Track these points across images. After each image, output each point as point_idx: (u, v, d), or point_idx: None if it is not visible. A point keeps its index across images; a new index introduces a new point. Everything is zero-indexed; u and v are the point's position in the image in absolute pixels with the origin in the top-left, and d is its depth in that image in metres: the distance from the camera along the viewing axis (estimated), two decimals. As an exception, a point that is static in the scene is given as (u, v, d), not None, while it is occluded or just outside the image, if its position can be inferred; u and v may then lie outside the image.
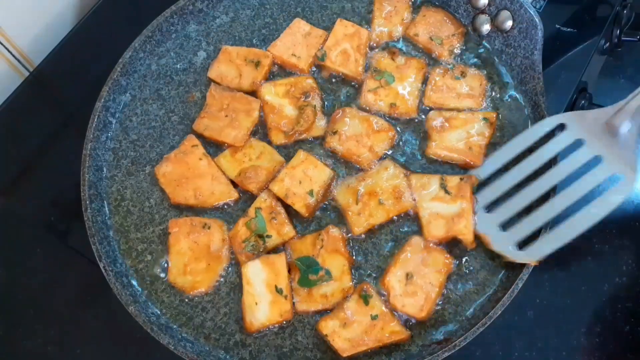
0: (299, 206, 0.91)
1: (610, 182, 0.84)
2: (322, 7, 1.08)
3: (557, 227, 0.84)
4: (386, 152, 0.96)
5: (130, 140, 1.01)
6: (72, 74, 1.14)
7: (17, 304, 0.96)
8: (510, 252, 0.86)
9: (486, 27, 1.03)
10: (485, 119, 0.95)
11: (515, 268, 0.88)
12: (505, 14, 1.01)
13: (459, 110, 0.97)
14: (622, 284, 0.92)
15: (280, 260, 0.88)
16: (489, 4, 1.03)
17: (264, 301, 0.86)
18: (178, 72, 1.05)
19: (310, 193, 0.92)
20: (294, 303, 0.87)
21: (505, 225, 0.88)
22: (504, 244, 0.86)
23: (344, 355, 0.83)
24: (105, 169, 0.99)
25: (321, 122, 0.98)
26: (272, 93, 0.99)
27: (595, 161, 0.86)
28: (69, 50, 1.15)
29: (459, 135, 0.95)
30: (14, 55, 1.16)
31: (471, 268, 0.89)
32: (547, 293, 0.92)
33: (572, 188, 0.85)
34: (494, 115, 0.96)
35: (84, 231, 0.90)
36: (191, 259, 0.90)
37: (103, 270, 0.88)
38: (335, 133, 0.96)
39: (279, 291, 0.86)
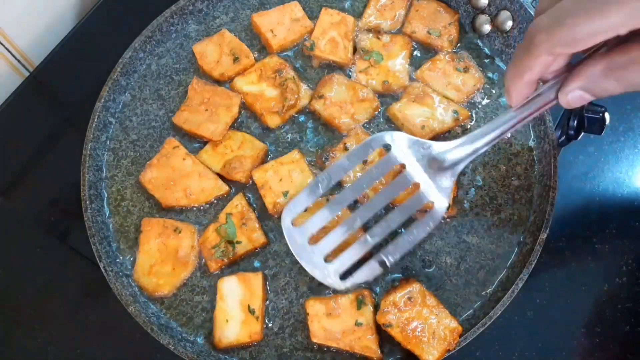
0: (268, 201, 0.92)
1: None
2: (322, 7, 1.07)
3: (382, 252, 0.84)
4: (367, 120, 0.98)
5: (130, 140, 1.01)
6: (72, 74, 1.14)
7: (17, 304, 0.96)
8: (334, 283, 0.85)
9: (486, 27, 1.03)
10: (456, 112, 0.96)
11: (515, 268, 0.88)
12: (505, 14, 1.01)
13: (440, 94, 0.99)
14: (622, 284, 0.92)
15: (257, 280, 0.87)
16: (489, 4, 1.03)
17: (235, 319, 0.86)
18: (178, 72, 1.05)
19: (285, 194, 0.92)
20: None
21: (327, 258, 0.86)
22: (327, 276, 0.85)
23: (313, 340, 0.84)
24: (105, 169, 0.99)
25: (306, 91, 1.00)
26: (248, 82, 1.01)
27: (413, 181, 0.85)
28: (69, 50, 1.15)
29: (423, 112, 0.97)
30: (14, 55, 1.16)
31: (471, 268, 0.89)
32: (547, 293, 0.92)
33: (389, 218, 0.85)
34: (467, 114, 0.97)
35: (84, 231, 0.90)
36: (158, 261, 0.90)
37: (103, 270, 0.88)
38: (321, 97, 0.98)
39: (251, 311, 0.86)
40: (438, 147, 0.84)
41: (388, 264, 0.84)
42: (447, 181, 0.84)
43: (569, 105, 0.69)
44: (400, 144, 0.86)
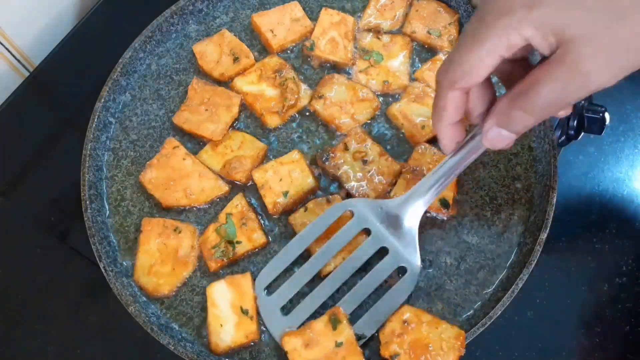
0: (268, 201, 0.92)
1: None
2: (322, 7, 1.07)
3: (356, 324, 0.83)
4: (367, 121, 0.98)
5: (130, 140, 1.01)
6: (72, 74, 1.14)
7: (17, 304, 0.96)
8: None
9: (486, 27, 1.03)
10: None
11: (515, 268, 0.88)
12: (505, 14, 1.00)
13: None
14: (622, 284, 0.92)
15: (246, 281, 0.87)
16: (489, 4, 1.03)
17: (229, 323, 0.85)
18: (178, 72, 1.05)
19: (285, 194, 0.92)
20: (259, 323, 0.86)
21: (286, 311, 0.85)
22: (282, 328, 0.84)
23: None
24: (105, 169, 0.99)
25: (306, 91, 1.00)
26: (248, 82, 1.01)
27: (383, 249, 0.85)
28: (69, 50, 1.15)
29: (423, 111, 0.97)
30: (14, 56, 1.16)
31: (471, 268, 0.89)
32: (547, 293, 0.92)
33: (360, 287, 0.84)
34: None
35: (84, 231, 0.90)
36: (157, 261, 0.90)
37: (103, 270, 0.88)
38: (321, 97, 0.98)
39: (244, 312, 0.85)
40: (389, 204, 0.85)
41: (367, 335, 0.83)
42: (410, 237, 0.85)
43: (493, 146, 0.68)
44: (360, 209, 0.86)
